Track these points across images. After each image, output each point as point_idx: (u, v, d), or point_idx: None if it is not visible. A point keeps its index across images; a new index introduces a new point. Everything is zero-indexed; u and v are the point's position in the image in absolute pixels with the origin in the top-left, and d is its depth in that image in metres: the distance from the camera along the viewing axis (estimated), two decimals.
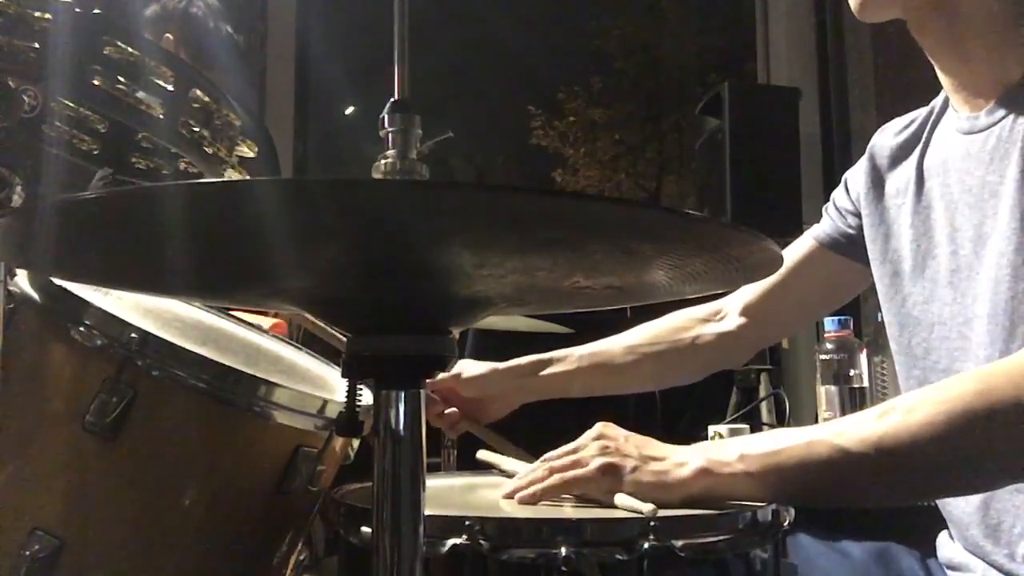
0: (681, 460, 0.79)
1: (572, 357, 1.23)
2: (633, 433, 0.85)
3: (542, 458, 0.86)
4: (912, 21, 0.95)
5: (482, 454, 1.08)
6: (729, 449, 0.80)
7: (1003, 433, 0.74)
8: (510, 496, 0.83)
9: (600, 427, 0.85)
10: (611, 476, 0.79)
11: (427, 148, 0.61)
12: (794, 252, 1.17)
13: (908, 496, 0.82)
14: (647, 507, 0.71)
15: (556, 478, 0.81)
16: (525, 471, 0.87)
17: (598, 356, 1.23)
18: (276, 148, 2.35)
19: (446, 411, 1.18)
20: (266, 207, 0.45)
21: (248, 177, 0.89)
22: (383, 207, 0.46)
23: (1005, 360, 0.79)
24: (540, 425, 1.15)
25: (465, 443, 1.22)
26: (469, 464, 1.11)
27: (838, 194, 1.15)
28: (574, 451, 0.84)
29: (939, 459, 0.76)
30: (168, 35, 2.04)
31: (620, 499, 0.76)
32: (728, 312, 1.24)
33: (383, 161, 0.58)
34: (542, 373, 1.21)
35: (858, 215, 1.09)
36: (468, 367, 1.20)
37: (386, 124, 0.58)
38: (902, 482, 0.78)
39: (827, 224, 1.15)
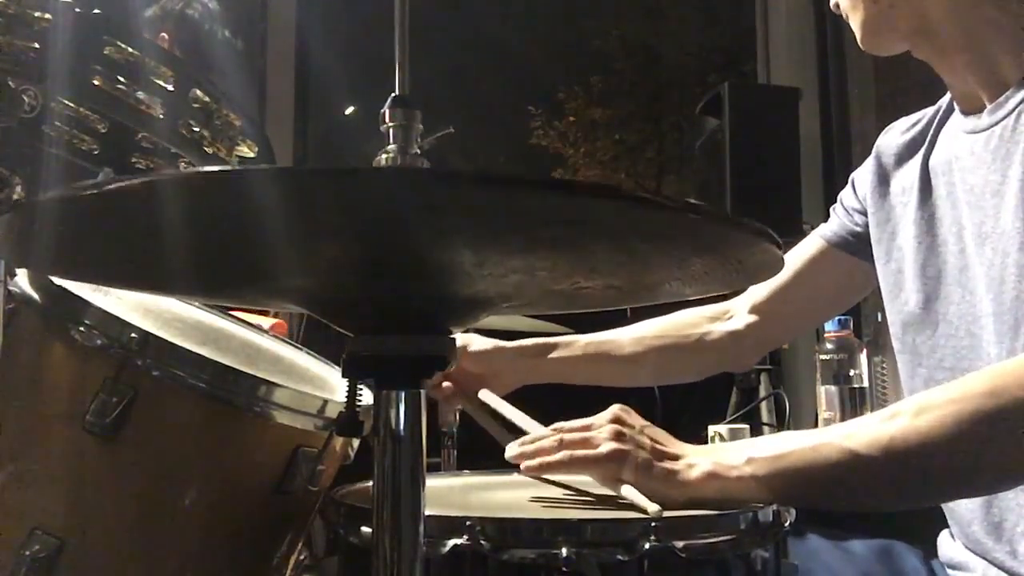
0: (690, 462, 0.79)
1: (578, 344, 1.22)
2: (650, 424, 0.84)
3: (554, 426, 0.86)
4: (909, 45, 0.98)
5: (484, 394, 1.07)
6: (736, 452, 0.79)
7: (1012, 434, 0.73)
8: (516, 459, 0.82)
9: (618, 409, 0.84)
10: (618, 463, 0.78)
11: (427, 144, 0.61)
12: (802, 252, 1.17)
13: (918, 499, 0.82)
14: (653, 507, 0.70)
15: (564, 454, 0.80)
16: (534, 434, 0.86)
17: (604, 345, 1.23)
18: (274, 152, 2.34)
19: (443, 384, 1.17)
20: (265, 197, 0.44)
21: None
22: (384, 201, 0.46)
23: (1012, 360, 0.78)
24: (541, 418, 1.14)
25: (465, 443, 1.22)
26: (469, 464, 1.11)
27: (845, 193, 1.15)
28: (588, 427, 0.83)
29: (949, 461, 0.75)
30: (164, 35, 2.04)
31: (627, 491, 0.75)
32: (736, 312, 1.24)
33: (384, 156, 0.58)
34: (547, 356, 1.21)
35: (865, 214, 1.09)
36: (475, 341, 1.20)
37: (387, 119, 0.58)
38: (912, 485, 0.78)
39: (835, 223, 1.15)
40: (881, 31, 0.96)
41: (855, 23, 0.98)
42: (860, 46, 0.99)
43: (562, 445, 0.81)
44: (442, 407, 1.22)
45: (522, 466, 0.82)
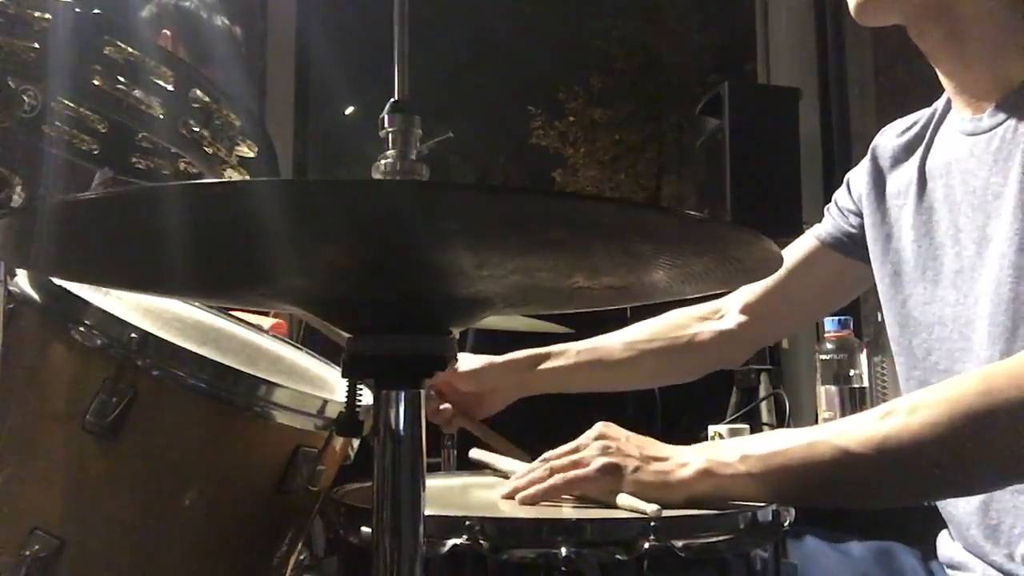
0: (683, 461, 0.79)
1: (570, 352, 1.22)
2: (633, 433, 0.85)
3: (541, 457, 0.86)
4: (912, 27, 0.95)
5: (475, 452, 1.08)
6: (730, 450, 0.80)
7: (1005, 433, 0.74)
8: (510, 496, 0.82)
9: (601, 427, 0.85)
10: (612, 476, 0.78)
11: (427, 148, 0.61)
12: (796, 251, 1.17)
13: (910, 497, 0.82)
14: (651, 507, 0.71)
15: (557, 478, 0.81)
16: (524, 470, 0.86)
17: (596, 352, 1.23)
18: (275, 148, 2.34)
19: (441, 407, 1.17)
20: (266, 207, 0.45)
21: (248, 177, 0.89)
22: (384, 208, 0.46)
23: (1007, 360, 0.79)
24: (538, 425, 1.14)
25: (465, 443, 1.22)
26: (469, 464, 1.11)
27: (840, 194, 1.15)
28: (574, 450, 0.83)
29: (941, 460, 0.75)
30: (166, 31, 2.03)
31: (622, 499, 0.76)
32: (728, 311, 1.24)
33: (383, 161, 0.58)
34: (539, 368, 1.21)
35: (860, 215, 1.09)
36: (465, 361, 1.20)
37: (386, 124, 0.58)
38: (904, 483, 0.78)
39: (829, 223, 1.15)
40: (887, 0, 0.93)
41: None
42: (852, 12, 0.94)
43: (553, 472, 0.81)
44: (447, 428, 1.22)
45: (517, 497, 0.81)
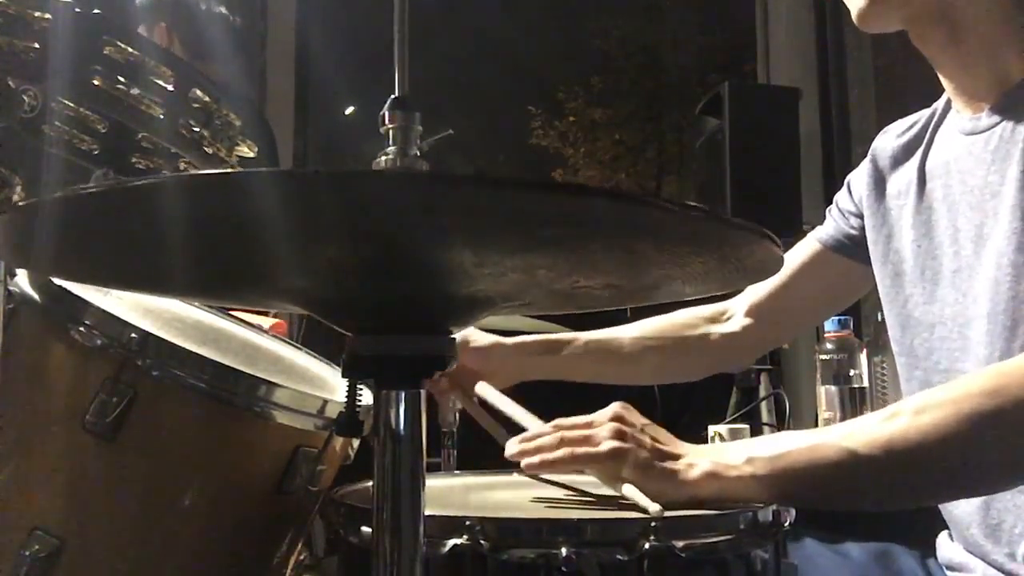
0: (691, 461, 0.79)
1: (579, 342, 1.22)
2: (651, 423, 0.84)
3: (554, 423, 0.85)
4: (913, 32, 0.95)
5: (481, 387, 1.07)
6: (736, 452, 0.79)
7: (1012, 434, 0.74)
8: (516, 456, 0.82)
9: (619, 408, 0.84)
10: (619, 461, 0.78)
11: (427, 145, 0.61)
12: (798, 254, 1.17)
13: (916, 499, 0.82)
14: (654, 507, 0.70)
15: (565, 451, 0.80)
16: (534, 430, 0.86)
17: (605, 344, 1.23)
18: (275, 137, 2.33)
19: (440, 379, 1.17)
20: (265, 199, 0.44)
21: None
22: (383, 202, 0.46)
23: (1012, 360, 0.78)
24: (539, 413, 1.14)
25: (465, 443, 1.22)
26: (469, 464, 1.11)
27: (841, 196, 1.15)
28: (588, 425, 0.83)
29: (948, 461, 0.75)
30: (162, 24, 2.02)
31: (628, 491, 0.75)
32: (734, 313, 1.24)
33: (383, 158, 0.58)
34: (548, 354, 1.21)
35: (861, 216, 1.09)
36: (475, 336, 1.19)
37: (386, 121, 0.58)
38: (910, 484, 0.78)
39: (830, 226, 1.15)
40: (889, 7, 0.92)
41: None
42: (855, 19, 0.94)
43: (562, 443, 0.81)
44: (442, 406, 1.22)
45: (523, 463, 0.81)
